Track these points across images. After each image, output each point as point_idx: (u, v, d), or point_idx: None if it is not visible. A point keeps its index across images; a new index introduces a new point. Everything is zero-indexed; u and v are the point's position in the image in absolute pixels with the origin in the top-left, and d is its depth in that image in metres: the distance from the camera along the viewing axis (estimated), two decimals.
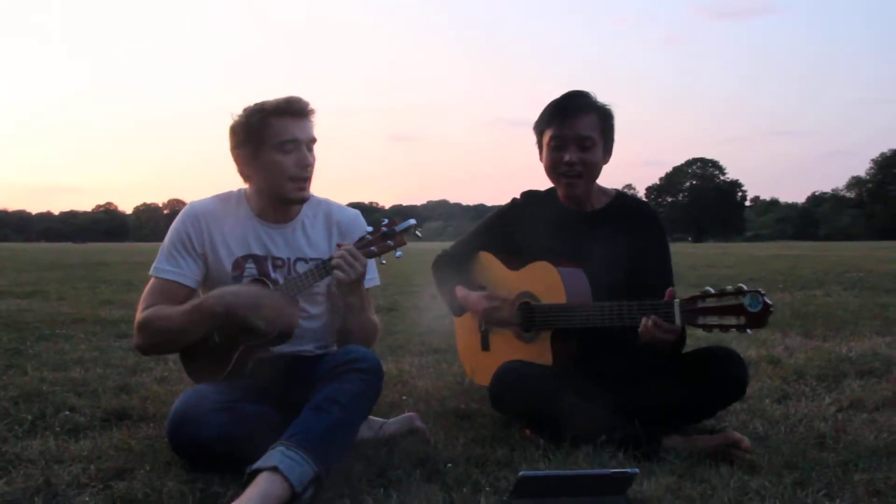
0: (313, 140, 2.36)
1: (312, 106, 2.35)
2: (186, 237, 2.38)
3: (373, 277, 2.49)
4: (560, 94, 2.67)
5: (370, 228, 2.30)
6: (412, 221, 2.29)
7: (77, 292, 9.16)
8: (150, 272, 2.39)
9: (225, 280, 2.38)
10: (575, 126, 2.57)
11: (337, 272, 2.21)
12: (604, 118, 2.62)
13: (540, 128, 2.68)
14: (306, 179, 2.35)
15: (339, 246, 2.26)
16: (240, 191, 2.49)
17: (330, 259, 2.24)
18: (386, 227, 2.26)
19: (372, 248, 2.25)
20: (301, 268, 2.42)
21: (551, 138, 2.61)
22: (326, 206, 2.54)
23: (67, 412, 2.82)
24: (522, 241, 2.76)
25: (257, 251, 2.42)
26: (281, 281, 2.36)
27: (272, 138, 2.29)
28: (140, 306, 2.35)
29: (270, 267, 2.42)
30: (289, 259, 2.45)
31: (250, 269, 2.40)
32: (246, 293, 2.22)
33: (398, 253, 2.28)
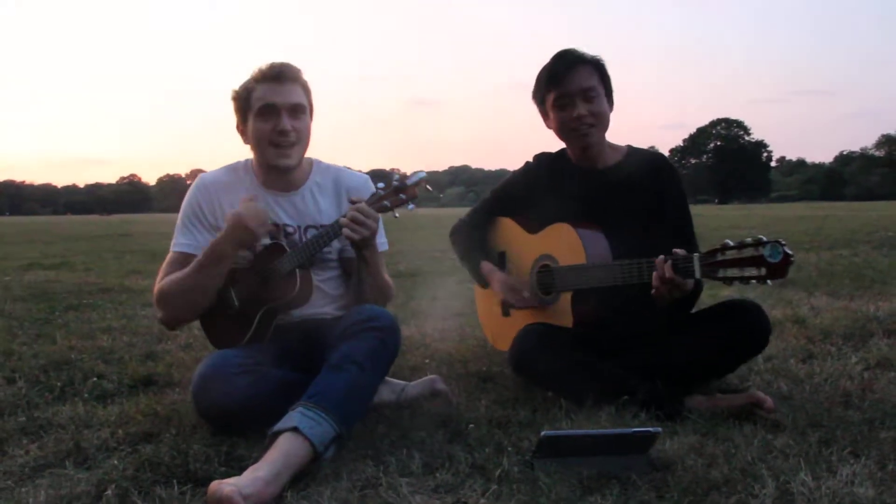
0: (297, 105, 2.34)
1: (299, 72, 2.36)
2: (199, 209, 2.41)
3: (382, 242, 2.50)
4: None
5: (381, 184, 2.29)
6: (423, 174, 2.27)
7: (103, 263, 9.29)
8: (171, 248, 2.42)
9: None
10: (575, 80, 2.55)
11: (346, 230, 2.21)
12: (598, 67, 2.60)
13: (540, 94, 2.65)
14: (289, 146, 2.35)
15: (351, 202, 2.25)
16: (247, 161, 2.51)
17: (341, 218, 2.24)
18: (397, 181, 2.25)
19: (385, 202, 2.25)
20: (312, 234, 2.43)
21: (556, 99, 2.58)
22: (336, 172, 2.55)
23: (95, 379, 2.87)
24: (538, 204, 2.74)
25: None
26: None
27: (254, 105, 2.32)
28: (157, 280, 2.40)
29: (282, 236, 2.44)
30: (299, 227, 2.46)
31: (263, 237, 2.41)
32: (236, 220, 2.22)
33: (410, 206, 2.26)
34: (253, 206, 2.25)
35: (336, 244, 2.44)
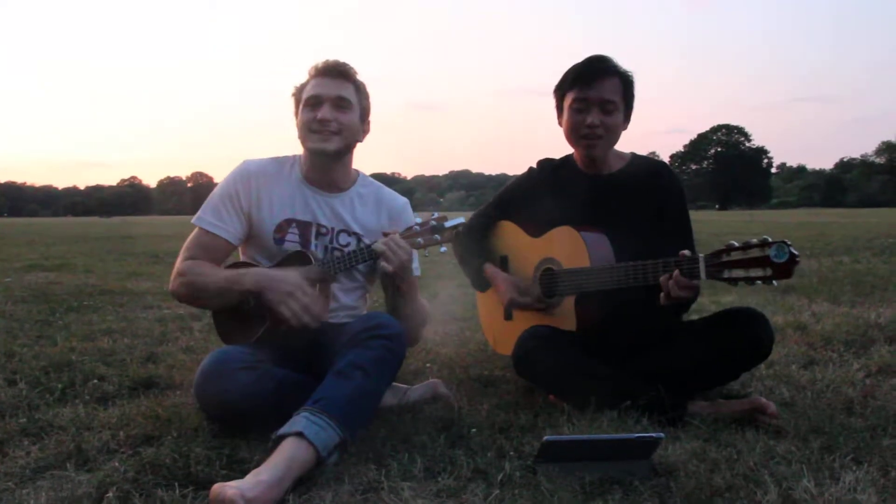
0: (342, 98, 2.40)
1: (350, 69, 2.43)
2: (235, 193, 2.42)
3: (415, 267, 2.50)
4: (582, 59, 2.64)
5: (419, 220, 2.32)
6: (461, 220, 2.32)
7: (104, 265, 9.28)
8: (193, 220, 2.43)
9: (266, 241, 2.43)
10: (598, 89, 2.55)
11: (381, 261, 2.24)
12: (625, 83, 2.60)
13: (561, 91, 2.66)
14: (328, 133, 2.38)
15: (385, 234, 2.29)
16: (295, 156, 2.54)
17: (372, 244, 2.28)
18: (435, 220, 2.28)
19: (419, 239, 2.29)
20: (343, 239, 2.47)
21: (574, 101, 2.58)
22: (378, 189, 2.60)
23: (96, 381, 2.86)
24: (542, 209, 2.74)
25: (302, 217, 2.45)
26: (320, 253, 2.41)
27: (303, 97, 2.41)
28: (181, 254, 2.40)
29: (314, 234, 2.45)
30: (333, 229, 2.48)
31: (293, 234, 2.44)
32: (281, 284, 2.22)
33: (443, 248, 2.31)
34: (303, 301, 2.21)
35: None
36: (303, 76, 2.49)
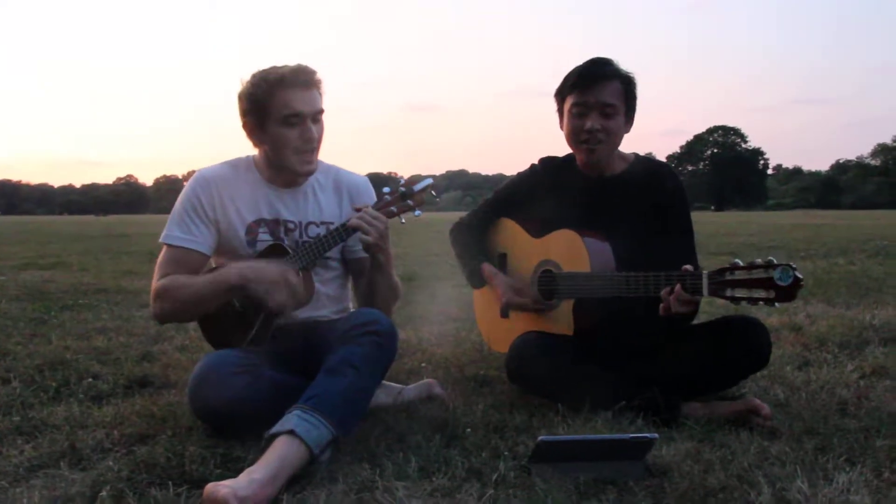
0: (320, 111, 2.32)
1: (319, 75, 2.32)
2: (198, 203, 2.36)
3: None
4: (581, 62, 2.61)
5: (388, 189, 2.29)
6: (429, 181, 2.28)
7: (99, 263, 9.27)
8: (161, 240, 2.36)
9: (239, 245, 2.38)
10: (598, 93, 2.52)
11: (360, 234, 2.21)
12: (626, 86, 2.57)
13: (562, 94, 2.63)
14: (312, 152, 2.33)
15: (356, 209, 2.26)
16: (248, 157, 2.48)
17: (347, 221, 2.25)
18: (404, 186, 2.25)
19: (391, 207, 2.25)
20: (313, 231, 2.44)
21: (573, 105, 2.56)
22: (336, 172, 2.55)
23: (91, 379, 2.86)
24: (541, 208, 2.72)
25: (268, 215, 2.42)
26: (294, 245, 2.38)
27: (277, 112, 2.25)
28: (156, 275, 2.34)
29: (282, 231, 2.43)
30: (300, 223, 2.45)
31: (263, 233, 2.40)
32: (266, 273, 2.21)
33: (417, 212, 2.28)
34: (289, 288, 2.22)
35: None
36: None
